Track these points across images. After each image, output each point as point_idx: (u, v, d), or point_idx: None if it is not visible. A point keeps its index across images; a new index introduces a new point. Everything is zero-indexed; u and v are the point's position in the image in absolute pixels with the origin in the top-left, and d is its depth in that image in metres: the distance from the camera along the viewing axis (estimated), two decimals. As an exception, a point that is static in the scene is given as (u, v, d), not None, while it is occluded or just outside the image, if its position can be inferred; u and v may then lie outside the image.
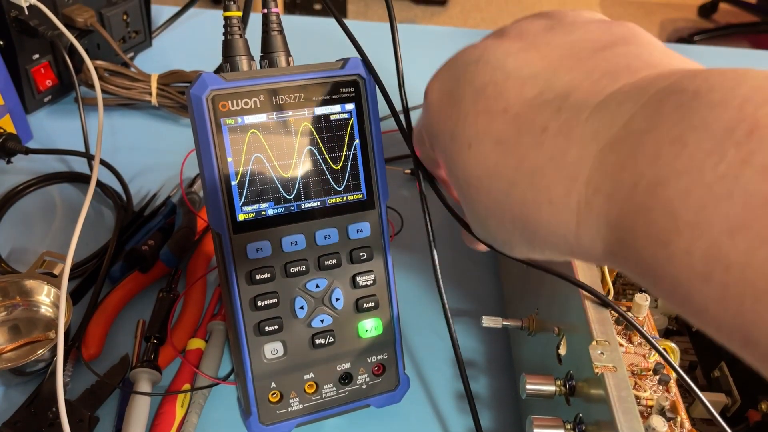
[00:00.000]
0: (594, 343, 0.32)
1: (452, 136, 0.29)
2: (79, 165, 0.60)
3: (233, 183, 0.37)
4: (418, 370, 0.47)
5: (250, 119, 0.37)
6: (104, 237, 0.53)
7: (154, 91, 0.62)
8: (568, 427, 0.33)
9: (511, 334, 0.48)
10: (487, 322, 0.42)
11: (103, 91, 0.61)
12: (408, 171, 0.63)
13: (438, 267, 0.41)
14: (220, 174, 0.37)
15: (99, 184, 0.57)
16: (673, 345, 0.39)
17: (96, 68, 0.61)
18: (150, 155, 0.62)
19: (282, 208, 0.38)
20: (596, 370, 0.31)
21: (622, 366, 0.31)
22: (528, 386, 0.34)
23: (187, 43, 0.78)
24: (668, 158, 0.20)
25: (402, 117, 0.39)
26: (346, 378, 0.42)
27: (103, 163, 0.58)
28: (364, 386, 0.42)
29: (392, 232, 0.57)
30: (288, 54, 0.39)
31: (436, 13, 2.85)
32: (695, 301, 0.20)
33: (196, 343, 0.46)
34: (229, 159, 0.37)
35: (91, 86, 0.58)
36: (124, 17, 0.68)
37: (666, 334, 0.46)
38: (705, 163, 0.19)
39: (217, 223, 0.37)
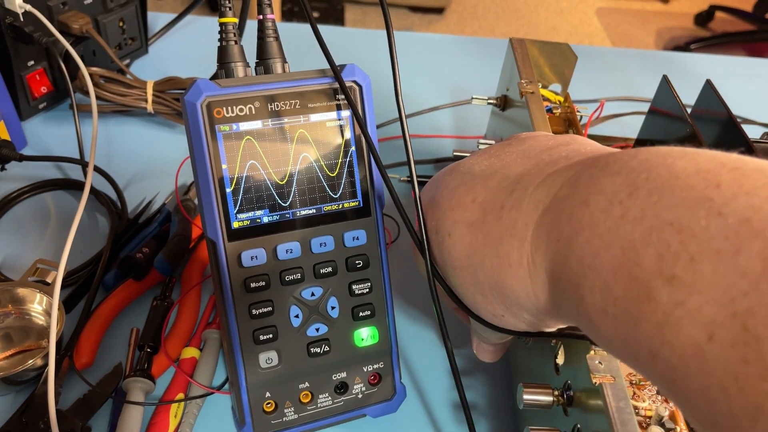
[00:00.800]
0: (592, 353, 0.32)
1: (436, 230, 0.34)
2: (74, 172, 0.60)
3: (228, 190, 0.37)
4: (414, 380, 0.47)
5: (245, 126, 0.37)
6: (99, 244, 0.53)
7: (149, 97, 0.62)
8: (566, 437, 0.32)
9: (510, 346, 0.48)
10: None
11: (99, 97, 0.61)
12: (404, 178, 0.62)
13: (432, 275, 0.40)
14: (214, 181, 0.36)
15: (94, 191, 0.56)
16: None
17: (91, 75, 0.61)
18: (145, 162, 0.61)
19: (277, 215, 0.38)
20: (594, 381, 0.31)
21: (620, 376, 0.31)
22: (525, 397, 0.34)
23: (184, 50, 0.78)
24: (578, 216, 0.25)
25: (404, 120, 0.39)
26: (342, 387, 0.41)
27: (97, 170, 0.57)
28: (360, 396, 0.42)
29: (389, 239, 0.57)
30: (284, 60, 0.39)
31: (434, 21, 2.86)
32: (602, 334, 0.24)
33: (191, 352, 0.45)
34: (224, 166, 0.37)
35: (86, 93, 0.58)
36: (120, 24, 0.68)
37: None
38: (599, 218, 0.24)
39: (211, 230, 0.37)
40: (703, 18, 2.89)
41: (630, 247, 0.22)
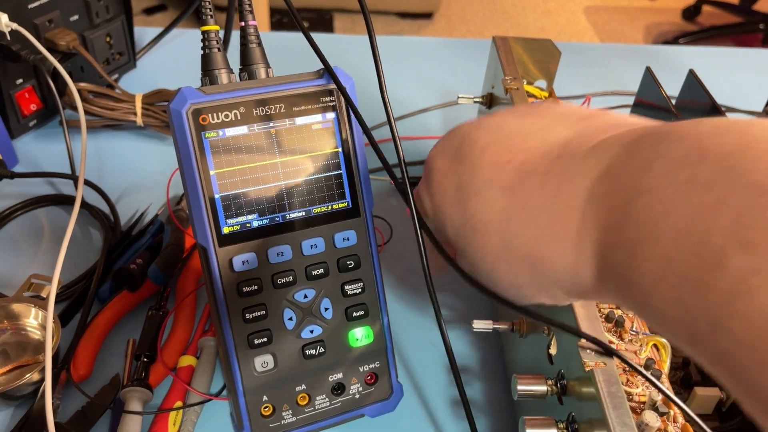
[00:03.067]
0: (583, 341, 0.32)
1: (458, 188, 0.32)
2: (66, 187, 0.60)
3: (216, 195, 0.37)
4: (412, 379, 0.47)
5: (231, 132, 0.37)
6: (93, 258, 0.53)
7: (138, 110, 0.62)
8: (561, 426, 0.33)
9: (504, 338, 0.48)
10: (478, 325, 0.42)
11: (88, 112, 0.61)
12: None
13: (429, 274, 0.41)
14: (203, 187, 0.37)
15: (86, 205, 0.57)
16: (663, 340, 0.39)
17: (80, 90, 0.61)
18: (137, 175, 0.62)
19: (267, 219, 0.38)
20: (586, 367, 0.31)
21: (611, 362, 0.31)
22: (519, 387, 0.34)
23: (172, 63, 0.78)
24: (637, 181, 0.24)
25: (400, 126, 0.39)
26: (339, 388, 0.42)
27: (90, 184, 0.58)
28: (357, 396, 0.42)
29: (382, 241, 0.57)
30: (267, 66, 0.39)
31: (423, 26, 2.87)
32: (654, 306, 0.23)
33: (188, 360, 0.45)
34: (212, 172, 0.37)
35: (76, 109, 0.58)
36: (108, 39, 0.68)
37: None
38: (662, 183, 0.23)
39: (201, 236, 0.37)
40: (691, 12, 2.91)
41: (700, 212, 0.21)
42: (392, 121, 0.39)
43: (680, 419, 0.34)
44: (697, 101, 0.54)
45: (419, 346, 0.49)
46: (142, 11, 2.62)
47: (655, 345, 0.38)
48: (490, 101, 0.55)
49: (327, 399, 0.41)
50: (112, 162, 0.63)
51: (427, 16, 2.89)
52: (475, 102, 0.55)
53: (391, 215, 0.60)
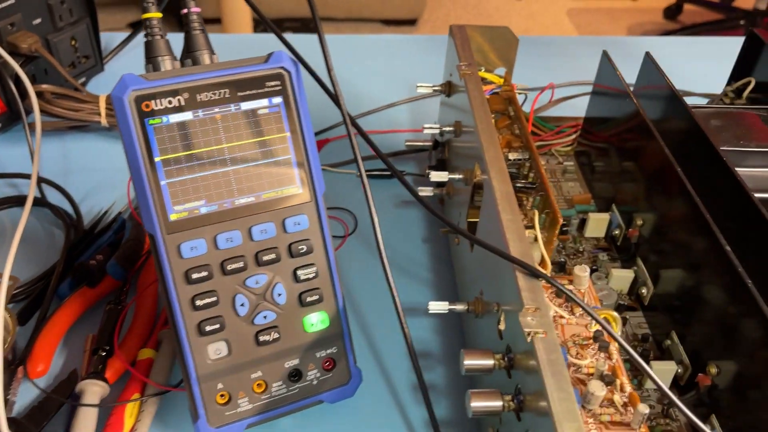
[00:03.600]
0: (524, 310, 0.32)
1: None
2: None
3: (163, 183, 0.37)
4: (374, 365, 0.47)
5: (175, 118, 0.37)
6: (55, 257, 0.52)
7: (103, 111, 0.62)
8: (507, 398, 0.32)
9: (464, 322, 0.48)
10: (433, 307, 0.42)
11: (52, 114, 0.61)
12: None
13: (385, 259, 0.41)
14: (148, 175, 0.37)
15: (50, 206, 0.57)
16: (614, 314, 0.39)
17: (42, 92, 0.61)
18: (102, 175, 0.62)
19: (215, 205, 0.38)
20: (527, 338, 0.31)
21: (551, 330, 0.31)
22: (466, 362, 0.34)
23: (140, 66, 0.78)
24: None
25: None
26: (296, 375, 0.41)
27: (51, 184, 0.58)
28: (314, 382, 0.42)
29: (346, 232, 0.57)
30: (212, 52, 0.39)
31: (407, 32, 2.88)
32: None
33: (147, 353, 0.45)
34: (157, 159, 0.37)
35: (41, 111, 0.58)
36: (72, 43, 0.68)
37: (618, 309, 0.46)
38: None
39: (149, 224, 0.37)
40: (672, 11, 2.92)
41: None
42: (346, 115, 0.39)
43: (627, 388, 0.34)
44: (655, 86, 0.54)
45: (383, 333, 0.49)
46: (127, 25, 2.63)
47: (605, 318, 0.38)
48: (448, 89, 0.55)
49: (284, 386, 0.41)
50: (78, 162, 0.63)
51: (412, 22, 2.91)
52: (434, 91, 0.55)
53: (357, 207, 0.60)
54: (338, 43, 0.83)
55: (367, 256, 0.55)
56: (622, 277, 0.46)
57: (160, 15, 0.38)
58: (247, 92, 0.38)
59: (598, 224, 0.50)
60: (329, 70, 0.39)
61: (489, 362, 0.34)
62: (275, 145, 0.39)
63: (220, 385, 0.39)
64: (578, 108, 0.72)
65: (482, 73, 0.52)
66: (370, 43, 0.88)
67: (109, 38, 0.81)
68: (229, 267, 0.39)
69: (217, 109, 0.38)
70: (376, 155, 0.43)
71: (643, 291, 0.45)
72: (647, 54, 0.55)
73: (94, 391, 0.42)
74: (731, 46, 0.71)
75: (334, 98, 0.40)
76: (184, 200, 0.38)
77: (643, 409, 0.32)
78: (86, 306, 0.48)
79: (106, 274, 0.49)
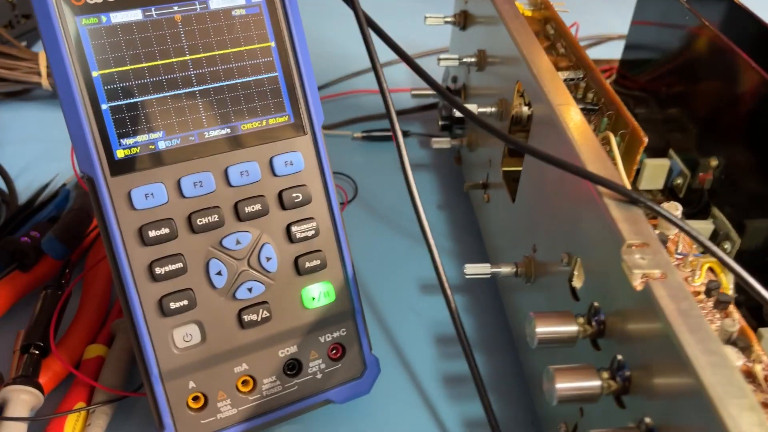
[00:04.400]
0: (627, 246, 0.22)
1: None
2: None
3: (104, 107, 0.27)
4: (391, 353, 0.37)
5: (119, 17, 0.27)
6: (-17, 240, 0.42)
7: (43, 70, 0.52)
8: (605, 375, 0.23)
9: (505, 296, 0.38)
10: (471, 270, 0.32)
11: (-18, 75, 0.51)
12: (358, 135, 0.53)
13: (426, 223, 0.31)
14: (82, 95, 0.27)
15: (-22, 181, 0.46)
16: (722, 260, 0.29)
17: (-31, 48, 0.50)
18: (43, 146, 0.51)
19: (178, 138, 0.28)
20: (637, 284, 0.21)
21: (673, 271, 0.21)
22: (539, 329, 0.24)
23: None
24: None
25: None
26: (294, 367, 0.31)
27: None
28: (318, 375, 0.32)
29: (345, 199, 0.47)
30: (167, -66, 0.29)
31: None
32: None
33: (95, 350, 0.34)
34: (95, 74, 0.27)
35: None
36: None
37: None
38: None
39: (85, 162, 0.27)
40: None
41: None
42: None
43: (765, 358, 0.25)
44: (710, 10, 0.46)
45: (397, 316, 0.39)
46: None
47: (710, 268, 0.29)
48: (464, 20, 0.45)
49: (278, 382, 0.31)
50: (15, 135, 0.53)
51: None
52: (446, 22, 0.46)
53: (356, 172, 0.50)
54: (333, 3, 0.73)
55: (370, 225, 0.45)
56: (700, 230, 0.37)
57: None
58: (217, -15, 0.28)
59: (656, 171, 0.41)
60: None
61: (572, 328, 0.24)
62: (256, 58, 0.29)
63: (192, 384, 0.29)
64: (605, 55, 0.63)
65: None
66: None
67: None
68: (199, 221, 0.28)
69: (176, 8, 0.28)
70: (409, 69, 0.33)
71: (726, 246, 0.36)
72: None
73: (22, 400, 0.31)
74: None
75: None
76: (134, 131, 0.27)
77: (802, 382, 0.22)
78: (18, 295, 0.37)
79: (43, 254, 0.38)
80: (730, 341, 0.24)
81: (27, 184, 0.48)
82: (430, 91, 0.50)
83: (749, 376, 0.24)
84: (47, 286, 0.37)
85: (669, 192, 0.43)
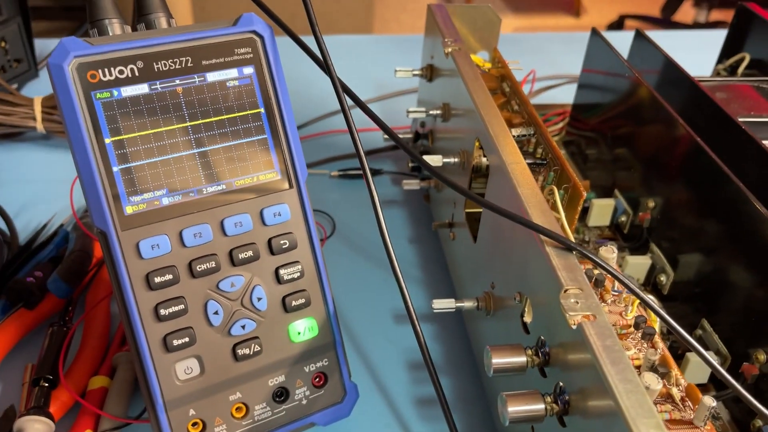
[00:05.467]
0: (564, 291, 0.27)
1: None
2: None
3: (115, 169, 0.31)
4: (368, 379, 0.41)
5: (128, 91, 0.31)
6: (-14, 279, 0.45)
7: (38, 115, 0.55)
8: (549, 399, 0.27)
9: (469, 323, 0.42)
10: (438, 305, 0.37)
11: (-21, 120, 0.54)
12: (335, 173, 0.57)
13: (395, 258, 0.35)
14: (97, 160, 0.30)
15: (-21, 222, 0.49)
16: (651, 297, 0.34)
17: (-32, 95, 0.54)
18: (40, 186, 0.54)
19: (179, 195, 0.32)
20: (572, 323, 0.26)
21: (601, 313, 0.26)
22: (494, 360, 0.29)
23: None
24: None
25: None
26: (282, 394, 0.35)
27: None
28: (304, 401, 0.36)
29: (324, 235, 0.51)
30: (169, 16, 0.34)
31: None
32: None
33: (99, 382, 0.38)
34: (108, 141, 0.31)
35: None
36: (2, 44, 0.61)
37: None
38: None
39: (99, 219, 0.31)
40: (614, 27, 2.99)
41: None
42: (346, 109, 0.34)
43: (683, 381, 0.29)
44: (647, 60, 0.51)
45: (373, 345, 0.43)
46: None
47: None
48: (430, 73, 0.50)
49: (268, 408, 0.35)
50: (11, 175, 0.56)
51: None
52: (414, 75, 0.50)
53: (333, 209, 0.54)
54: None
55: (349, 260, 0.50)
56: (638, 265, 0.42)
57: (105, -29, 0.32)
58: (213, 61, 0.33)
59: (602, 211, 0.46)
60: (316, 33, 0.34)
61: (521, 359, 0.29)
62: (248, 123, 0.34)
63: (192, 411, 0.33)
64: (559, 99, 0.68)
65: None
66: (334, 43, 0.84)
67: (45, 45, 0.73)
68: (199, 268, 0.32)
69: (178, 81, 0.32)
70: (355, 153, 0.37)
71: (661, 278, 0.41)
72: (638, 30, 0.52)
73: (36, 428, 0.34)
74: (698, 39, 0.69)
75: (322, 65, 0.34)
76: (141, 190, 0.31)
77: (709, 401, 0.27)
78: (24, 331, 0.41)
79: (47, 293, 0.41)
80: (652, 368, 0.29)
81: (25, 223, 0.51)
82: (402, 135, 0.55)
83: (668, 397, 0.28)
84: (53, 323, 0.40)
85: (615, 228, 0.48)
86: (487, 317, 0.37)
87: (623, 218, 0.46)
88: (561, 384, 0.27)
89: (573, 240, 0.33)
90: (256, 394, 0.34)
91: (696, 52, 0.75)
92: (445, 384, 0.40)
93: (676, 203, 0.41)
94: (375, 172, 0.58)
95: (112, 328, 0.42)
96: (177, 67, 0.32)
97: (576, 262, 0.28)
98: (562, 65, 0.76)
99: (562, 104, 0.58)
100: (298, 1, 0.34)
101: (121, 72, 0.31)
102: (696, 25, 2.59)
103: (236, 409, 0.34)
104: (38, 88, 0.67)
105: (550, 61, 0.79)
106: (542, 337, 0.29)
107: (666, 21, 2.78)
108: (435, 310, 0.36)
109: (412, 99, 0.65)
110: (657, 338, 0.31)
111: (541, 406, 0.27)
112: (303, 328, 0.35)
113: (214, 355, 0.33)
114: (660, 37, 0.92)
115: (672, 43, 0.87)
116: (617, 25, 2.96)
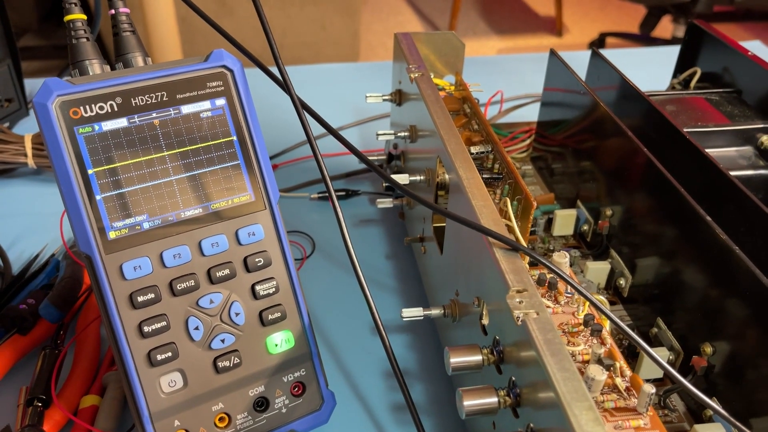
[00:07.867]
0: (510, 292, 0.29)
1: None
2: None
3: (98, 197, 0.33)
4: (346, 388, 0.43)
5: (108, 125, 0.34)
6: (-19, 308, 0.47)
7: (29, 151, 0.58)
8: (502, 393, 0.29)
9: (441, 331, 0.45)
10: (407, 314, 0.39)
11: (-28, 158, 0.57)
12: (315, 196, 0.60)
13: (361, 274, 0.38)
14: (81, 189, 0.33)
15: (-27, 255, 0.51)
16: (601, 297, 0.37)
17: (-39, 135, 0.56)
18: (32, 219, 0.57)
19: (159, 219, 0.35)
20: (517, 321, 0.28)
21: (543, 310, 0.28)
22: (453, 360, 0.31)
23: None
24: None
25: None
26: (262, 404, 0.37)
27: (-26, 231, 0.52)
28: (283, 410, 0.38)
29: (304, 255, 0.54)
30: (145, 54, 0.36)
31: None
32: None
33: (90, 400, 0.40)
34: (90, 171, 0.33)
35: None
36: (-7, 85, 0.64)
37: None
38: None
39: (84, 244, 0.33)
40: (596, 46, 3.05)
41: None
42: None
43: (627, 372, 0.32)
44: (604, 78, 0.54)
45: (351, 355, 0.45)
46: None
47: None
48: (399, 98, 0.53)
49: (249, 417, 0.37)
50: (4, 209, 0.58)
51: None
52: (384, 100, 0.53)
53: (314, 229, 0.56)
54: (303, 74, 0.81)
55: (329, 276, 0.52)
56: (598, 270, 0.44)
57: (84, 17, 0.35)
58: (187, 94, 0.35)
59: (565, 221, 0.49)
60: (274, 52, 0.37)
61: (477, 358, 0.31)
62: (221, 150, 0.36)
63: (176, 422, 0.35)
64: (527, 117, 0.71)
65: (434, 79, 0.50)
66: (312, 72, 0.87)
67: (35, 84, 0.76)
68: (179, 286, 0.35)
69: (154, 114, 0.35)
70: (325, 178, 0.40)
71: (621, 282, 0.43)
72: (593, 49, 0.55)
73: (30, 446, 0.36)
74: (660, 55, 0.72)
75: (282, 85, 0.37)
76: (123, 216, 0.34)
77: (649, 389, 0.29)
78: (18, 355, 0.43)
79: (39, 318, 0.44)
80: (598, 360, 0.31)
81: (18, 254, 0.53)
82: (375, 157, 0.58)
83: (614, 387, 0.31)
84: (45, 347, 0.42)
85: (579, 236, 0.50)
86: (453, 324, 0.39)
87: (585, 227, 0.48)
88: (513, 378, 0.29)
89: (525, 246, 0.35)
90: (237, 405, 0.36)
91: (657, 66, 0.79)
92: (419, 389, 0.43)
93: (631, 212, 0.43)
94: (353, 193, 0.61)
95: (101, 350, 0.44)
96: (153, 101, 0.34)
97: (523, 264, 0.31)
98: (532, 85, 0.79)
99: (529, 122, 0.61)
100: (283, 33, 0.37)
101: (101, 108, 0.33)
102: (674, 40, 2.65)
103: (219, 419, 0.36)
104: (29, 126, 0.70)
105: (520, 81, 0.82)
106: (497, 337, 0.31)
107: (645, 37, 2.84)
108: (404, 319, 0.39)
109: (387, 123, 0.68)
110: (605, 334, 0.33)
111: (495, 399, 0.29)
112: (280, 340, 0.37)
113: (196, 368, 0.35)
114: (623, 54, 0.96)
115: (634, 60, 0.91)
116: (598, 43, 3.01)
